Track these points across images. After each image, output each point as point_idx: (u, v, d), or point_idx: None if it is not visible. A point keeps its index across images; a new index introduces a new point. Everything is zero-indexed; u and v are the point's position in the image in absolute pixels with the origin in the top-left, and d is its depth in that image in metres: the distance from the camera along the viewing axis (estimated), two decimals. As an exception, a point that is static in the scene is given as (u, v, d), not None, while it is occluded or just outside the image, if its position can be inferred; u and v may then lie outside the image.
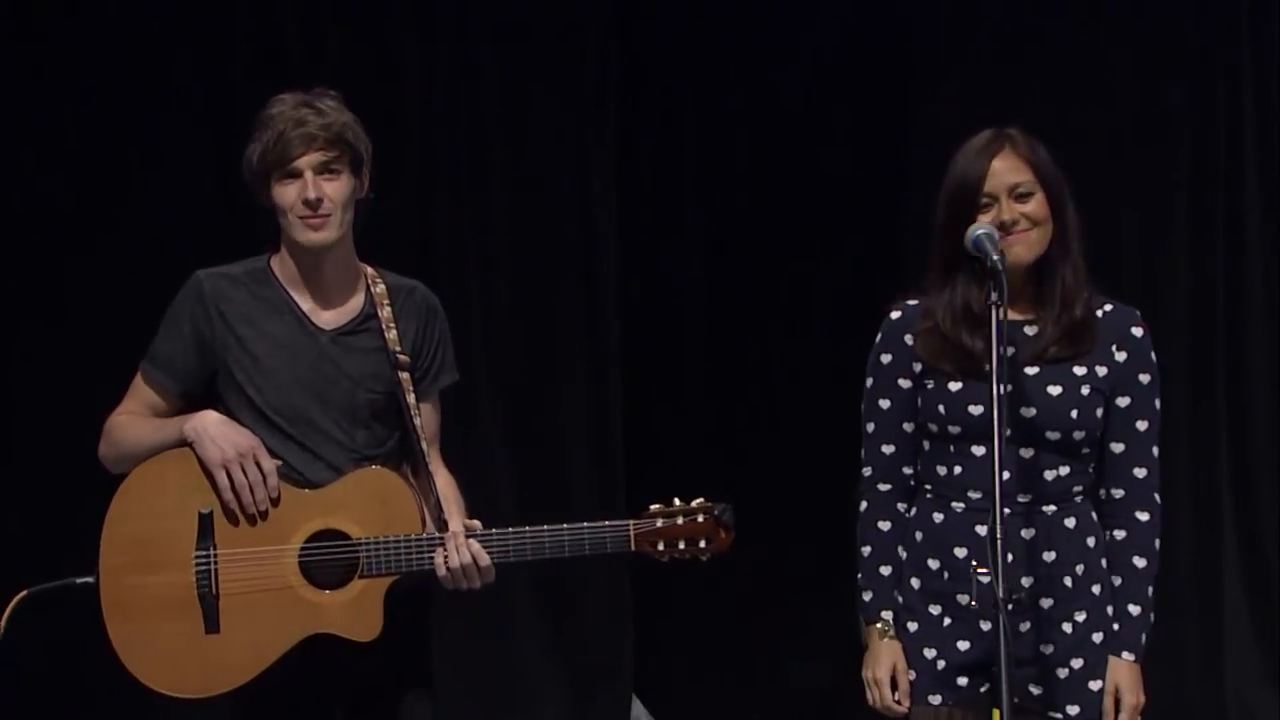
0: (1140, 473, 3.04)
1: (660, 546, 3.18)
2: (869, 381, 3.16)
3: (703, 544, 3.19)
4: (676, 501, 3.20)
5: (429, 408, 3.32)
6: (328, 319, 3.23)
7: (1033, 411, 2.96)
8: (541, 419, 4.98)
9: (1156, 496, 3.04)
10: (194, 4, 4.64)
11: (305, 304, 3.23)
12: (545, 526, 3.14)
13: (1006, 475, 2.91)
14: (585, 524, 3.16)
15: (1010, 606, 2.78)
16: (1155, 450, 3.05)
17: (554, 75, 5.00)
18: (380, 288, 3.26)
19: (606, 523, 3.17)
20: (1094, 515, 3.06)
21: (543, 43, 4.98)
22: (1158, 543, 3.03)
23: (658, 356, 5.20)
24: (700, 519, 3.19)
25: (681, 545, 3.19)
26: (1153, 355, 3.07)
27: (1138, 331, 3.06)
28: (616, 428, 5.04)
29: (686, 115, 5.19)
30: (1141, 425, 3.04)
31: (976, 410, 2.99)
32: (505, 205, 4.97)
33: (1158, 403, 3.06)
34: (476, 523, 3.18)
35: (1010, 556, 2.90)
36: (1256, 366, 5.15)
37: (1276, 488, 5.14)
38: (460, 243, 4.91)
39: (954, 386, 3.03)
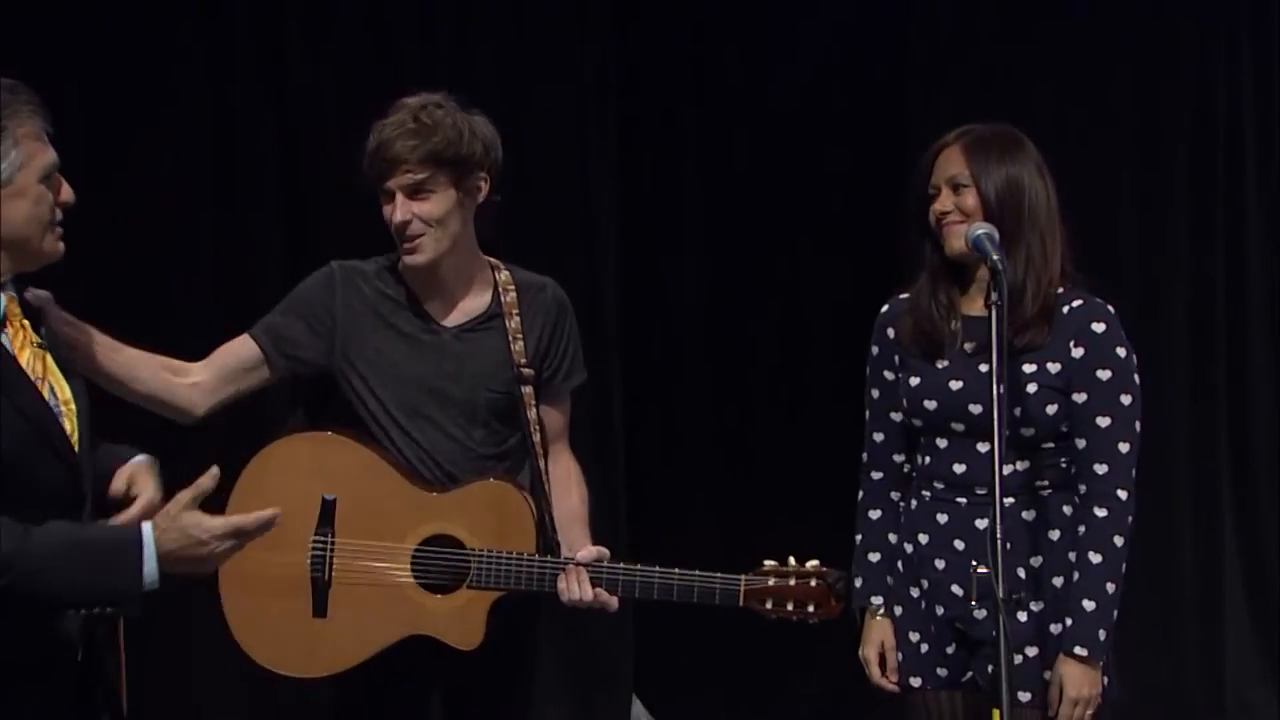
0: (1100, 469, 3.04)
1: (768, 605, 3.15)
2: (866, 372, 3.27)
3: (811, 609, 3.16)
4: (791, 561, 3.16)
5: (557, 408, 3.34)
6: (451, 317, 3.24)
7: (979, 409, 3.00)
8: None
9: (1120, 493, 3.03)
10: (195, 3, 4.64)
11: (430, 302, 3.24)
12: (657, 569, 3.13)
13: (962, 469, 3.07)
14: (698, 572, 3.14)
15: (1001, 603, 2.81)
16: (1123, 445, 3.04)
17: (554, 75, 5.00)
18: (510, 287, 3.26)
19: (719, 575, 3.14)
20: (1067, 508, 3.08)
21: (543, 43, 4.98)
22: (1119, 539, 3.01)
23: (658, 356, 5.20)
24: (813, 583, 3.15)
25: (789, 606, 3.16)
26: (1119, 350, 3.06)
27: (1098, 327, 3.06)
28: (617, 427, 5.04)
29: (686, 115, 5.19)
30: (1102, 421, 3.04)
31: (931, 405, 3.11)
32: (505, 205, 4.96)
33: (1125, 398, 3.05)
34: (603, 551, 3.18)
35: (963, 545, 3.07)
36: (1256, 366, 5.15)
37: (1276, 488, 5.14)
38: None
39: (914, 381, 3.14)
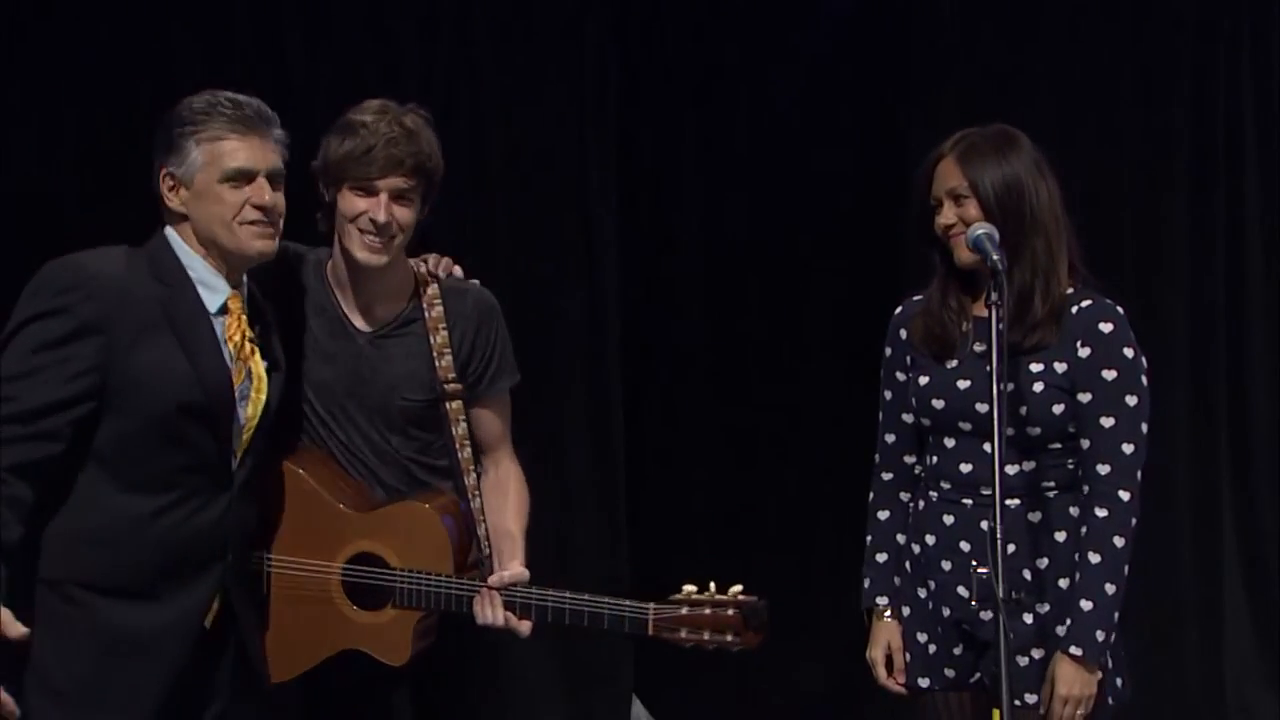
0: (1103, 469, 3.03)
1: (682, 634, 3.08)
2: (880, 373, 3.29)
3: (729, 637, 3.07)
4: (712, 587, 3.09)
5: (491, 413, 3.34)
6: (367, 322, 3.25)
7: (986, 408, 2.97)
8: (541, 419, 4.98)
9: (1122, 493, 3.02)
10: (195, 3, 4.63)
11: (347, 305, 3.25)
12: (568, 595, 3.12)
13: (969, 469, 3.07)
14: (607, 599, 3.12)
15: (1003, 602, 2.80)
16: (1127, 446, 3.04)
17: (554, 75, 4.99)
18: (437, 301, 3.27)
19: (627, 603, 3.10)
20: (1073, 510, 3.08)
21: (543, 43, 4.97)
22: (1119, 540, 3.01)
23: (658, 356, 5.20)
24: (729, 612, 3.06)
25: (705, 635, 3.07)
26: (1126, 350, 3.05)
27: (1105, 327, 3.05)
28: (617, 428, 5.04)
29: (686, 115, 5.18)
30: (1106, 421, 3.03)
31: (939, 404, 3.12)
32: (505, 205, 4.97)
33: (1130, 399, 3.04)
34: (520, 573, 3.18)
35: (968, 546, 3.06)
36: (1256, 366, 5.14)
37: (1276, 487, 5.14)
38: (460, 242, 4.91)
39: (923, 380, 3.15)
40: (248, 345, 3.04)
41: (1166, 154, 5.14)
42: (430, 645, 3.23)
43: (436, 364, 3.23)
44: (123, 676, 2.94)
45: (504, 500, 3.33)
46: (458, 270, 3.40)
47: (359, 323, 3.25)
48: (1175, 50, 5.12)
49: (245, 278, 3.10)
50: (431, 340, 3.24)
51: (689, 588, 3.10)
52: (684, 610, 3.08)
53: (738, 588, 3.09)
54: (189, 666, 3.00)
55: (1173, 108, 5.12)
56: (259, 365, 3.05)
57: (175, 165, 3.03)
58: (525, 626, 3.15)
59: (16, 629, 2.86)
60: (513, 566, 3.20)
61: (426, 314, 3.25)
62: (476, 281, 3.40)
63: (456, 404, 3.25)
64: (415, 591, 3.14)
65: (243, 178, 3.00)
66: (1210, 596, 5.12)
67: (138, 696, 2.95)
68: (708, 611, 3.07)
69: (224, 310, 3.04)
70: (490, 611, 3.13)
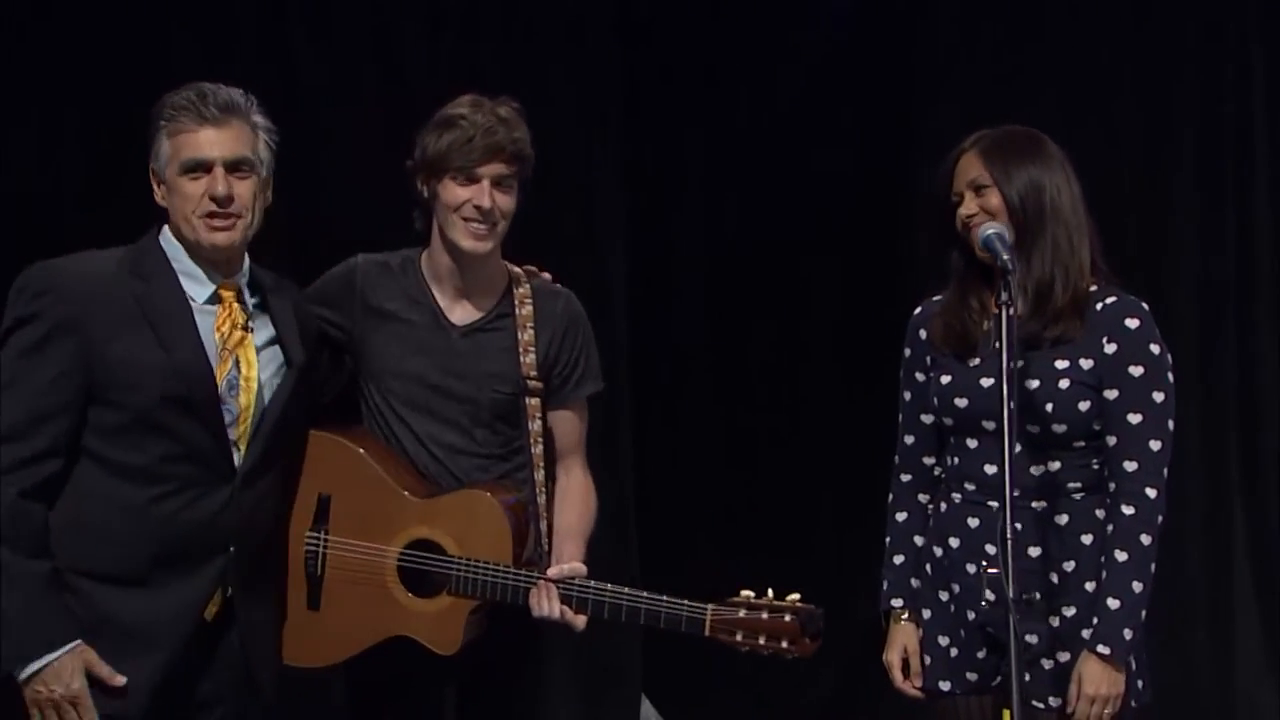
0: (1130, 466, 3.02)
1: (738, 637, 3.08)
2: (899, 375, 3.28)
3: (784, 644, 3.07)
4: (769, 593, 3.10)
5: (571, 415, 3.37)
6: (462, 316, 3.29)
7: (1012, 405, 2.95)
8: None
9: (1149, 491, 3.01)
10: (195, 3, 4.62)
11: (443, 299, 3.29)
12: (626, 591, 3.13)
13: (993, 470, 3.05)
14: (665, 598, 3.11)
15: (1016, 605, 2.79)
16: (1155, 443, 3.02)
17: (556, 76, 4.99)
18: (528, 300, 3.30)
19: (686, 603, 3.10)
20: (1099, 512, 3.06)
21: (544, 43, 4.97)
22: (1146, 537, 3.00)
23: (659, 357, 5.19)
24: (786, 619, 3.07)
25: (761, 640, 3.07)
26: (1153, 346, 3.05)
27: (1132, 323, 3.05)
28: (625, 430, 5.03)
29: (688, 116, 5.18)
30: (1134, 418, 3.02)
31: (962, 403, 3.11)
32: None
33: (1158, 395, 3.03)
34: (578, 567, 3.19)
35: (994, 549, 3.05)
36: (1265, 366, 5.14)
37: (1284, 489, 5.14)
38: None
39: (945, 379, 3.15)
40: (237, 334, 3.04)
41: (1173, 152, 5.13)
42: (478, 639, 3.22)
43: (521, 360, 3.26)
44: (116, 664, 2.94)
45: (572, 505, 3.35)
46: (546, 276, 3.44)
47: (454, 316, 3.29)
48: (1181, 48, 5.11)
49: (247, 266, 3.11)
50: (519, 336, 3.27)
51: (746, 592, 3.10)
52: (741, 613, 3.08)
53: (795, 595, 3.10)
54: (187, 659, 3.01)
55: (1179, 107, 5.12)
56: (251, 354, 3.05)
57: (153, 160, 3.07)
58: (580, 621, 3.16)
59: (116, 679, 2.92)
60: (571, 561, 3.20)
61: (517, 311, 3.29)
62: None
63: (535, 401, 3.28)
64: (472, 580, 3.14)
65: (200, 168, 3.02)
66: (1219, 596, 5.11)
67: (131, 685, 2.95)
68: (765, 616, 3.07)
69: (217, 300, 3.04)
70: (547, 604, 3.13)
